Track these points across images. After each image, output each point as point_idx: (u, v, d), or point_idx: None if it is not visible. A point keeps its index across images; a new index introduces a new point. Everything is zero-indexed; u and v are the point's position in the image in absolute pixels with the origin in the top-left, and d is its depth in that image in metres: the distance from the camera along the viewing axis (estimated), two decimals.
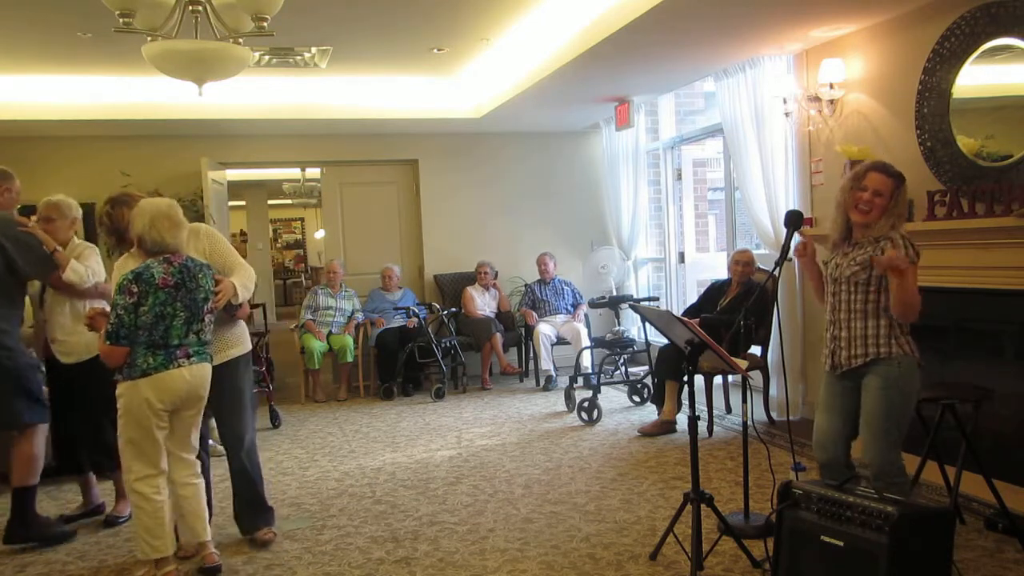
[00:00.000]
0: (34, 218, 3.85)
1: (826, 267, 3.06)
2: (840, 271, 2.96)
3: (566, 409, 6.12)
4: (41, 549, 3.66)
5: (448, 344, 7.02)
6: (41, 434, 3.78)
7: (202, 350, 3.23)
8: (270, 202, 12.78)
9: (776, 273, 3.20)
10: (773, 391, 5.46)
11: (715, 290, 5.70)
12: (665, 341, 5.11)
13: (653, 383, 5.69)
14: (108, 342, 3.04)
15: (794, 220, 3.20)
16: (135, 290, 3.04)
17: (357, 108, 6.93)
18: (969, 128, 4.07)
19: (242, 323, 3.63)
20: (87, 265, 3.76)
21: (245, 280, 3.45)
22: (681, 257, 7.57)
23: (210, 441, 4.66)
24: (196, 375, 3.18)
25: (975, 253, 3.89)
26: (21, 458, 3.69)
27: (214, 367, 3.39)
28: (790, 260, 3.35)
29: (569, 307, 7.44)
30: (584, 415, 5.73)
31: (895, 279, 2.77)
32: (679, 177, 7.50)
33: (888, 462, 2.84)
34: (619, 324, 6.81)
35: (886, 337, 2.87)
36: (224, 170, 7.56)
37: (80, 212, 3.99)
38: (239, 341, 3.57)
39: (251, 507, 3.63)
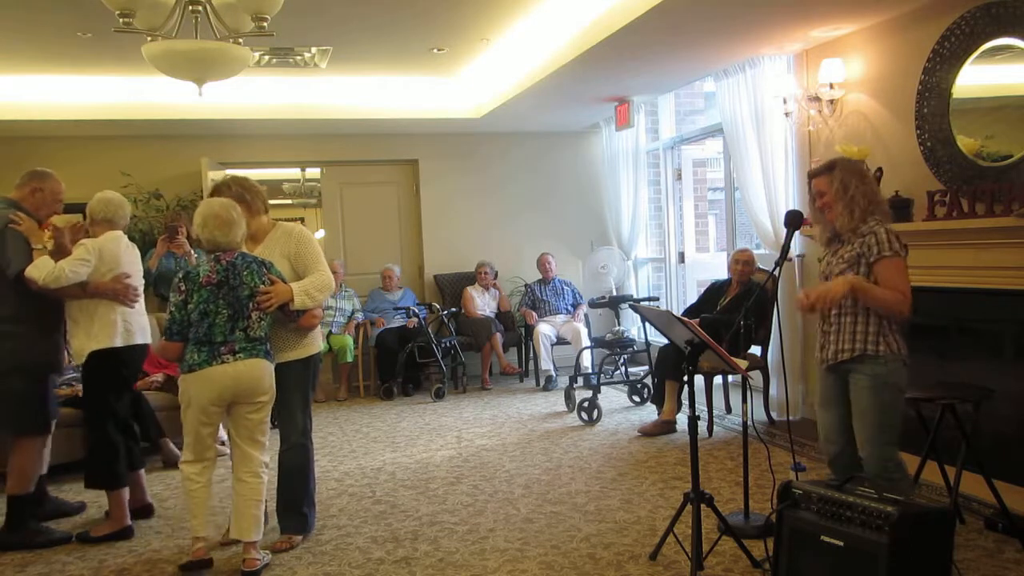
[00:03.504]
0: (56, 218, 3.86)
1: (821, 264, 3.09)
2: (830, 268, 2.99)
3: (566, 409, 6.12)
4: (41, 548, 3.66)
5: (448, 344, 7.02)
6: (28, 446, 3.73)
7: (252, 347, 3.25)
8: (270, 202, 12.79)
9: (776, 273, 3.21)
10: (773, 391, 5.46)
11: (715, 290, 5.70)
12: (665, 341, 5.12)
13: (653, 383, 5.68)
14: (164, 338, 3.27)
15: (794, 220, 3.20)
16: (183, 288, 3.21)
17: (357, 108, 6.93)
18: (969, 128, 4.07)
19: (308, 329, 3.57)
20: (61, 264, 3.55)
21: (309, 287, 3.42)
22: (681, 257, 7.57)
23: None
24: (242, 371, 3.21)
25: (975, 253, 3.89)
26: (9, 466, 3.72)
27: None
28: (790, 260, 3.36)
29: (569, 307, 7.45)
30: (584, 415, 5.72)
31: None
32: (679, 177, 7.51)
33: (886, 459, 2.85)
34: (619, 324, 6.80)
35: (875, 335, 2.87)
36: (224, 170, 7.55)
37: (112, 208, 3.83)
38: (296, 346, 3.53)
39: (282, 508, 3.63)
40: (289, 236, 3.57)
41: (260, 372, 3.27)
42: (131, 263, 3.86)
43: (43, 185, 3.83)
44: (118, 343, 3.72)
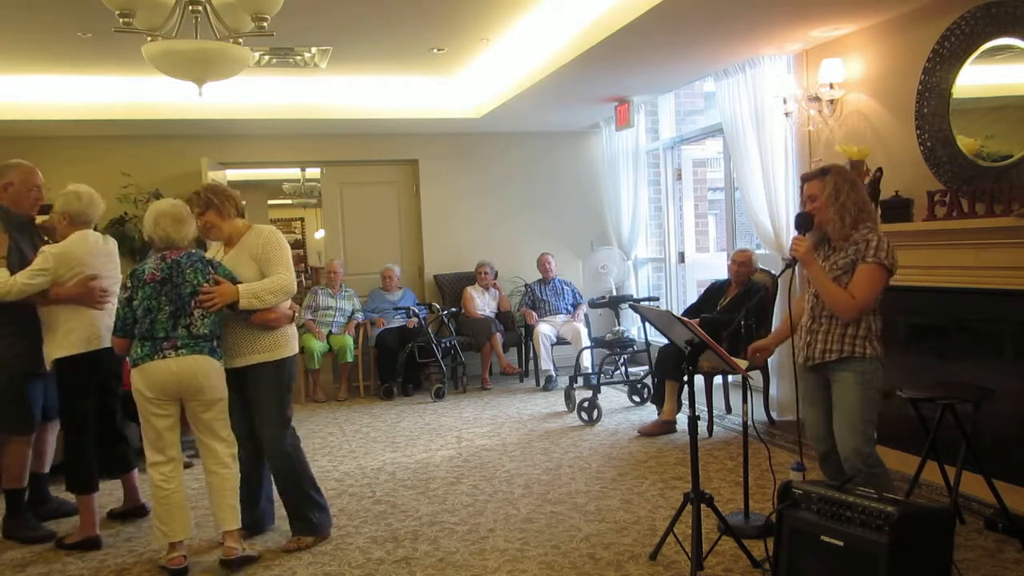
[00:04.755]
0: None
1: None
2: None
3: (566, 409, 6.12)
4: (42, 548, 3.67)
5: (448, 344, 7.02)
6: (16, 444, 3.74)
7: (195, 343, 3.26)
8: (270, 202, 12.76)
9: (780, 278, 3.21)
10: (773, 391, 5.46)
11: (715, 290, 5.70)
12: (665, 341, 5.11)
13: (653, 383, 5.68)
14: (113, 334, 3.36)
15: (804, 223, 3.18)
16: (128, 285, 3.29)
17: (357, 108, 6.93)
18: (969, 128, 4.07)
19: (281, 330, 3.50)
20: (15, 278, 3.48)
21: (259, 289, 3.34)
22: (681, 257, 7.57)
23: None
24: (183, 367, 3.23)
25: (975, 253, 3.89)
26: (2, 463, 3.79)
27: (238, 368, 3.43)
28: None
29: (569, 307, 7.44)
30: (584, 415, 5.72)
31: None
32: (679, 177, 7.51)
33: (867, 453, 2.95)
34: (619, 324, 6.80)
35: (862, 339, 2.97)
36: (224, 170, 7.56)
37: (75, 204, 3.67)
38: (267, 347, 3.46)
39: (289, 514, 3.61)
40: (258, 237, 3.50)
41: (202, 368, 3.26)
42: (103, 264, 3.69)
43: (12, 179, 3.72)
44: (82, 349, 3.57)
